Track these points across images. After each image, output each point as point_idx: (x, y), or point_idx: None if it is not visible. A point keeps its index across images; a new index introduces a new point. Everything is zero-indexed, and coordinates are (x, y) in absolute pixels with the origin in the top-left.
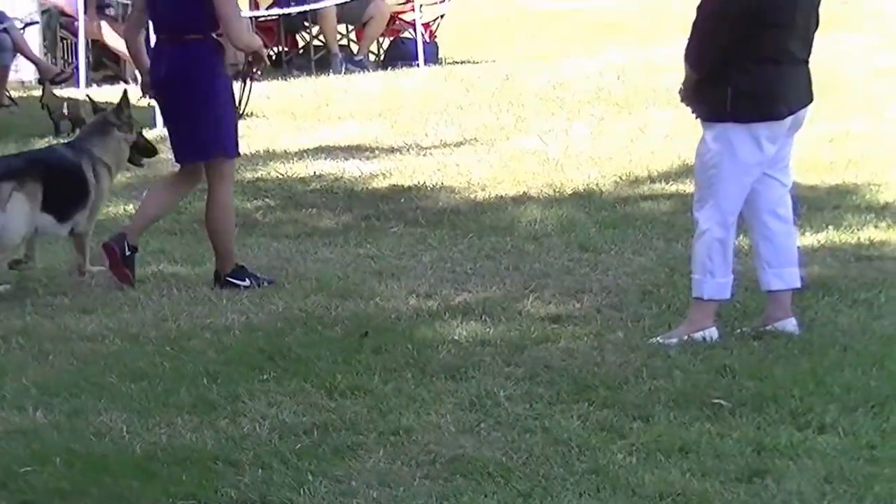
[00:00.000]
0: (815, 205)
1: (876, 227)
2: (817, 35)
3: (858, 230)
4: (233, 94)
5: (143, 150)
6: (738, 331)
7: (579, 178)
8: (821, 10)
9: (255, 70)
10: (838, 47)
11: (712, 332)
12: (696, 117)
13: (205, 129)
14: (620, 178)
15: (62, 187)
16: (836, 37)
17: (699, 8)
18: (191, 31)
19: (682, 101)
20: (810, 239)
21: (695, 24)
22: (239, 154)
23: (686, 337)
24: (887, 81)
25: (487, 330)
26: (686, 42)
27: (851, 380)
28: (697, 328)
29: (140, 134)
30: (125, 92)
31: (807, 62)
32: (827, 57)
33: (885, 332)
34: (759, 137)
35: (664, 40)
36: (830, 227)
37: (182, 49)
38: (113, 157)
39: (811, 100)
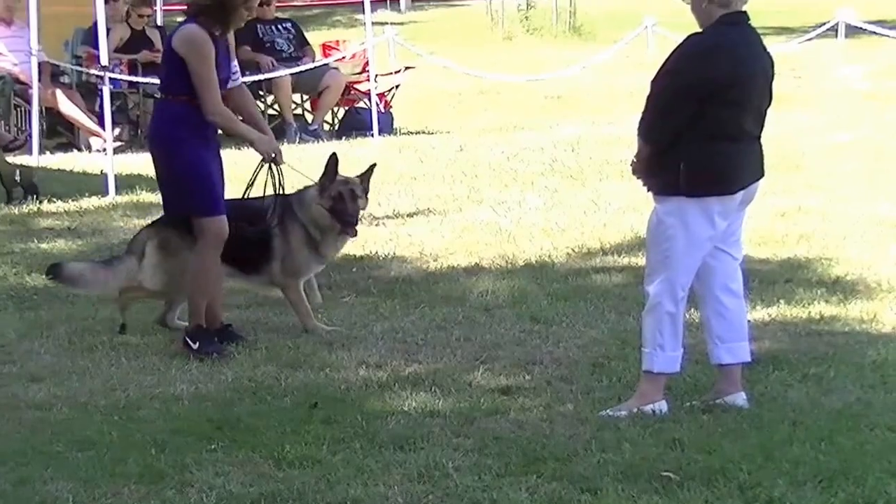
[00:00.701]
0: (766, 279)
1: (827, 301)
2: (772, 111)
3: (809, 304)
4: (213, 157)
5: None
6: (688, 404)
7: (532, 249)
8: (775, 87)
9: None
10: (792, 124)
11: (662, 406)
12: (648, 191)
13: (176, 185)
14: (573, 250)
15: None
16: (791, 114)
17: (653, 83)
18: (173, 91)
19: (633, 174)
20: (762, 313)
21: (649, 98)
22: (217, 213)
23: (636, 410)
24: (839, 158)
25: (437, 401)
26: (640, 116)
27: (800, 455)
28: (647, 401)
29: None
30: None
31: (759, 138)
32: (781, 133)
33: (835, 407)
34: (711, 212)
35: (617, 114)
36: (782, 301)
37: (164, 107)
38: None
39: (762, 174)
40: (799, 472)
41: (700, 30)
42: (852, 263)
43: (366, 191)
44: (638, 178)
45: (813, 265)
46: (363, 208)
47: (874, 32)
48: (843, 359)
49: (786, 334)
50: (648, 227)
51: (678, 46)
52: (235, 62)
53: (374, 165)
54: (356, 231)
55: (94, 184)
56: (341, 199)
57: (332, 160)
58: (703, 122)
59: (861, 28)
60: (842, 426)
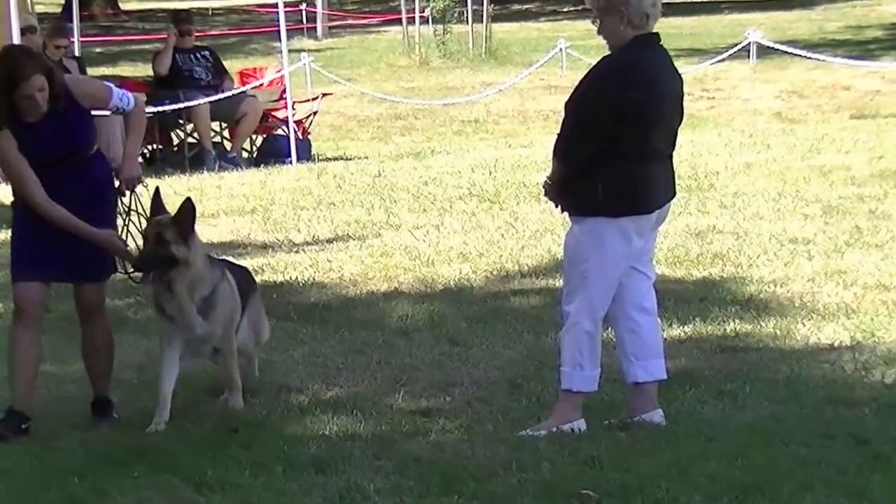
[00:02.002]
0: (681, 298)
1: (740, 319)
2: (685, 131)
3: (723, 322)
4: (33, 224)
5: None
6: (606, 423)
7: (450, 273)
8: (688, 107)
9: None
10: (705, 144)
11: (580, 424)
12: (563, 211)
13: None
14: (491, 272)
15: None
16: (703, 134)
17: (569, 104)
18: None
19: (545, 195)
20: (676, 331)
21: (565, 120)
22: (15, 280)
23: (555, 429)
24: (751, 178)
25: (357, 424)
26: (556, 137)
27: (715, 470)
28: (566, 420)
29: None
30: None
31: (671, 157)
32: (694, 153)
33: (749, 422)
34: (628, 231)
35: (532, 136)
36: (696, 319)
37: None
38: None
39: (675, 194)
40: (714, 488)
41: (610, 52)
42: (765, 281)
43: (183, 234)
44: (551, 199)
45: (727, 284)
46: (176, 255)
47: (785, 52)
48: (757, 375)
49: (700, 352)
50: (565, 247)
51: (593, 68)
52: (114, 99)
53: (188, 200)
54: (143, 278)
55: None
56: (144, 240)
57: (156, 196)
58: (620, 142)
59: (772, 48)
60: (756, 441)
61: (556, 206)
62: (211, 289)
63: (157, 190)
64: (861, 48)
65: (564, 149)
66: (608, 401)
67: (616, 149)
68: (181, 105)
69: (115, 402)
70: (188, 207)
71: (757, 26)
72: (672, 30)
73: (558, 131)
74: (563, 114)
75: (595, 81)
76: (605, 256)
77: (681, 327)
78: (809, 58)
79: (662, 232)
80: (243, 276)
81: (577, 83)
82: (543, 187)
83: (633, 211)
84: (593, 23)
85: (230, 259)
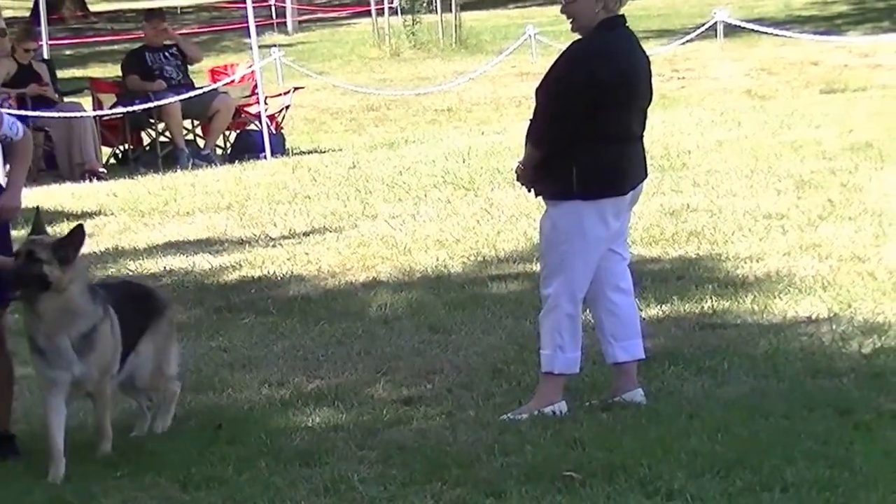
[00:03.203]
0: (658, 277)
1: (718, 295)
2: (657, 112)
3: (701, 300)
4: None
5: None
6: (587, 403)
7: (428, 260)
8: (658, 87)
9: None
10: (676, 124)
11: (562, 406)
12: (537, 196)
13: None
14: (468, 259)
15: None
16: (675, 113)
17: (540, 90)
18: None
19: (518, 180)
20: (655, 310)
21: (538, 105)
22: None
23: (536, 412)
24: (724, 155)
25: (340, 415)
26: (529, 123)
27: (698, 446)
28: (547, 402)
29: None
30: None
31: (642, 137)
32: (666, 133)
33: (729, 398)
34: (605, 213)
35: (505, 123)
36: (674, 297)
37: None
38: None
39: (647, 174)
40: (697, 464)
41: (579, 33)
42: (741, 257)
43: (61, 258)
44: (524, 185)
45: (703, 261)
46: (48, 276)
47: (753, 30)
48: (736, 351)
49: (680, 330)
50: (542, 231)
51: (564, 53)
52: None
53: (79, 227)
54: (7, 300)
55: None
56: (16, 256)
57: (36, 217)
58: (594, 125)
59: (739, 27)
60: (737, 416)
61: (530, 191)
62: (90, 326)
63: (37, 210)
64: (828, 23)
65: (540, 134)
66: (589, 382)
67: (592, 132)
68: (151, 104)
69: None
70: (76, 233)
71: (724, 5)
72: (641, 11)
73: (531, 117)
74: (534, 100)
75: (570, 65)
76: (583, 239)
77: (659, 306)
78: (777, 35)
79: (637, 212)
80: (147, 298)
81: (548, 68)
82: (516, 173)
83: (611, 192)
84: (565, 4)
85: (137, 282)
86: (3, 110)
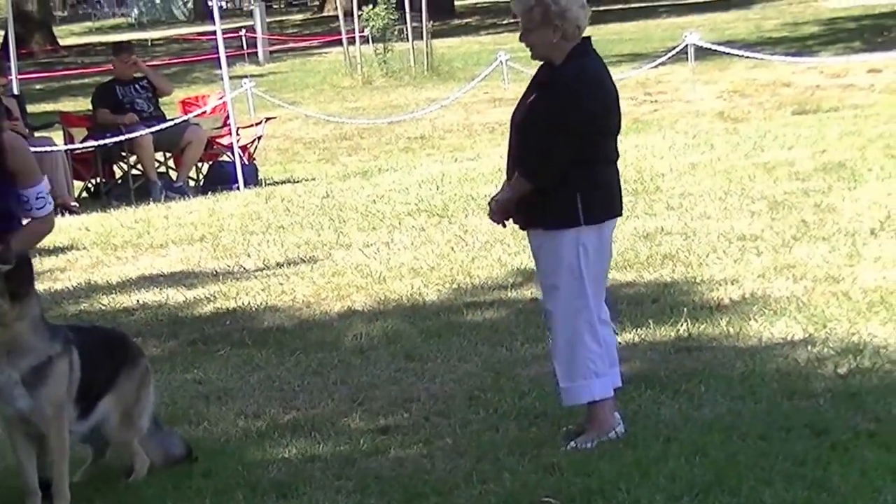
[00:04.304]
0: (633, 300)
1: (694, 318)
2: (630, 135)
3: (677, 323)
4: None
5: None
6: (564, 429)
7: (403, 289)
8: (632, 110)
9: None
10: (649, 147)
11: (620, 427)
12: (525, 228)
13: None
14: (443, 286)
15: None
16: (648, 136)
17: (528, 122)
18: None
19: (492, 217)
20: (630, 334)
21: (528, 138)
22: None
23: (603, 439)
24: (697, 178)
25: (316, 445)
26: (516, 156)
27: (675, 469)
28: (608, 428)
29: None
30: None
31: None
32: (639, 157)
33: (706, 420)
34: (606, 235)
35: (477, 149)
36: (650, 321)
37: None
38: None
39: None
40: (675, 487)
41: (549, 62)
42: (716, 279)
43: (11, 291)
44: (507, 219)
45: (678, 284)
46: None
47: (724, 53)
48: (713, 373)
49: (656, 353)
50: (543, 264)
51: (549, 81)
52: (33, 191)
53: (26, 258)
54: None
55: None
56: None
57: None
58: (591, 150)
59: (711, 49)
60: (714, 438)
61: (517, 224)
62: (44, 359)
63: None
64: (799, 44)
65: (538, 164)
66: (566, 407)
67: (588, 158)
68: (123, 137)
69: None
70: (24, 264)
71: (695, 28)
72: (613, 35)
73: (523, 150)
74: (518, 129)
75: (565, 93)
76: (591, 264)
77: (635, 330)
78: (749, 57)
79: (611, 236)
80: (117, 346)
81: (531, 98)
82: (490, 207)
83: (612, 213)
84: (524, 32)
85: (109, 327)
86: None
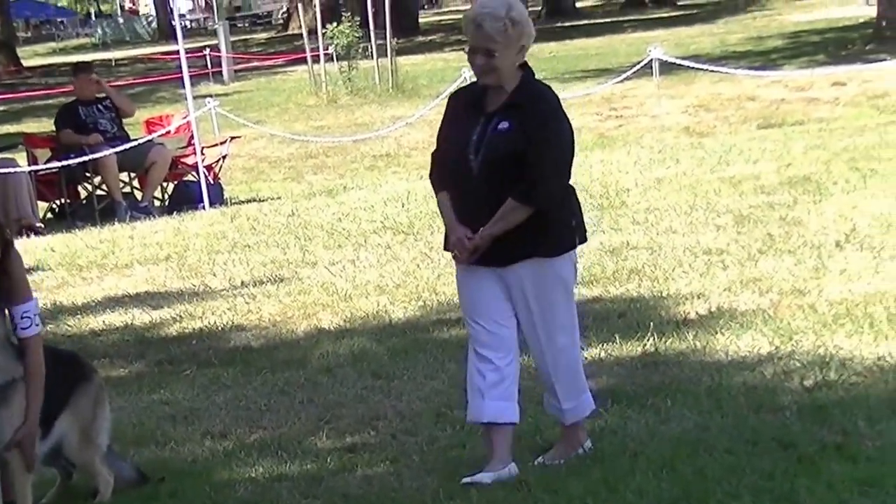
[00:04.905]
0: (600, 315)
1: (660, 332)
2: (596, 152)
3: (644, 337)
4: None
5: None
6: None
7: (369, 306)
8: (597, 126)
9: None
10: (615, 162)
11: (588, 444)
12: (508, 262)
13: None
14: (409, 303)
15: None
16: (613, 152)
17: (536, 148)
18: None
19: (471, 254)
20: (597, 349)
21: (546, 163)
22: None
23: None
24: (663, 193)
25: (284, 464)
26: (528, 184)
27: (643, 484)
28: (579, 444)
29: None
30: None
31: None
32: (605, 172)
33: (673, 434)
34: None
35: None
36: (616, 335)
37: None
38: None
39: None
40: (643, 502)
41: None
42: (682, 294)
43: None
44: (471, 256)
45: (644, 299)
46: None
47: (689, 67)
48: (680, 387)
49: (622, 368)
50: (538, 291)
51: (537, 104)
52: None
53: None
54: None
55: None
56: None
57: None
58: (569, 176)
59: (676, 64)
60: (681, 453)
61: (491, 262)
62: (8, 379)
63: None
64: (764, 58)
65: (550, 193)
66: (533, 423)
67: (568, 183)
68: (87, 158)
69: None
70: None
71: (660, 43)
72: (578, 51)
73: (533, 177)
74: (508, 159)
75: (559, 111)
76: (573, 284)
77: (601, 345)
78: (713, 71)
79: (578, 251)
80: (69, 365)
81: (509, 125)
82: (468, 247)
83: (585, 235)
84: (489, 55)
85: (63, 348)
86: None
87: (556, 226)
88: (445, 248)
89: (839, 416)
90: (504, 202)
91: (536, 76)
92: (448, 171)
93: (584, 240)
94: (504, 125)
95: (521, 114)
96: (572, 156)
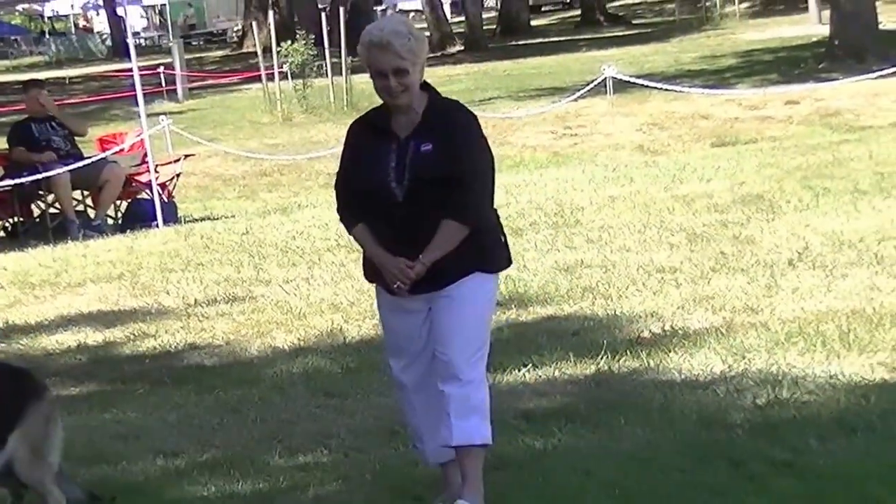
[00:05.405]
0: (553, 333)
1: (614, 350)
2: (551, 170)
3: (596, 355)
4: None
5: None
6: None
7: (322, 324)
8: (551, 144)
9: None
10: (569, 180)
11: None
12: (446, 284)
13: None
14: (363, 322)
15: None
16: (567, 170)
17: (462, 165)
18: None
19: (409, 281)
20: (550, 367)
21: (476, 178)
22: None
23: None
24: (616, 211)
25: (235, 483)
26: (456, 205)
27: (594, 502)
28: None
29: None
30: None
31: None
32: (559, 190)
33: (625, 452)
34: None
35: None
36: (570, 353)
37: None
38: None
39: None
40: None
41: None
42: (636, 312)
43: None
44: (409, 283)
45: (598, 317)
46: None
47: (643, 85)
48: (632, 405)
49: (575, 386)
50: (469, 310)
51: (461, 120)
52: None
53: None
54: None
55: None
56: None
57: None
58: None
59: (630, 82)
60: (633, 470)
61: (426, 287)
62: None
63: None
64: (717, 77)
65: (484, 209)
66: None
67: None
68: (40, 175)
69: None
70: None
71: (614, 61)
72: (531, 69)
73: (461, 193)
74: (438, 181)
75: (476, 130)
76: (494, 308)
77: (555, 363)
78: (667, 89)
79: (532, 269)
80: (21, 381)
81: (433, 145)
82: (408, 275)
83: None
84: (401, 75)
85: (11, 363)
86: None
87: (491, 242)
88: (370, 280)
89: (790, 435)
90: (433, 225)
91: (489, 94)
92: (365, 202)
93: (511, 260)
94: (427, 147)
95: (442, 133)
96: (494, 170)
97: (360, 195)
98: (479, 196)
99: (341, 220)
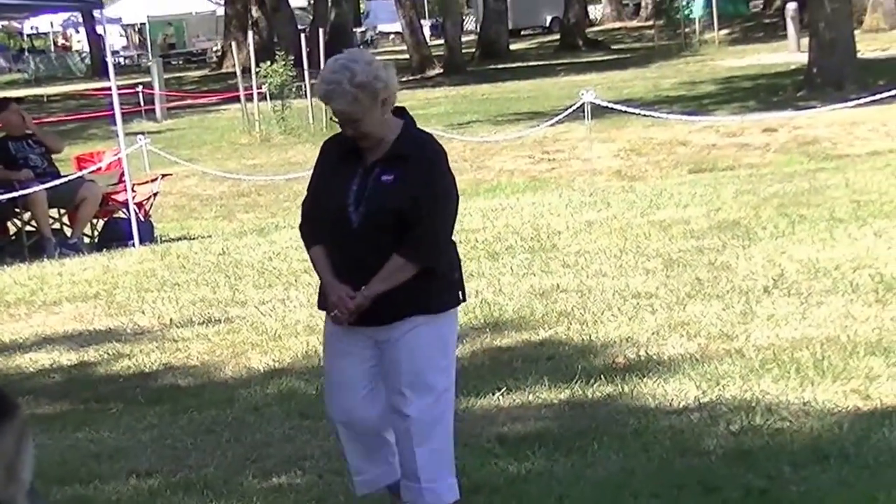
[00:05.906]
0: (528, 358)
1: (588, 375)
2: (528, 195)
3: (571, 380)
4: None
5: None
6: None
7: (298, 346)
8: (528, 168)
9: None
10: (546, 205)
11: None
12: (391, 320)
13: None
14: None
15: None
16: (545, 195)
17: (426, 213)
18: None
19: (351, 315)
20: (525, 392)
21: (435, 219)
22: None
23: None
24: (593, 236)
25: None
26: (416, 242)
27: None
28: None
29: None
30: None
31: None
32: (536, 214)
33: (599, 478)
34: None
35: None
36: (545, 378)
37: None
38: None
39: None
40: None
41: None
42: (611, 337)
43: None
44: (352, 316)
45: (573, 342)
46: None
47: (622, 111)
48: (606, 430)
49: (549, 411)
50: (421, 353)
51: (414, 157)
52: None
53: None
54: None
55: None
56: None
57: None
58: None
59: (608, 108)
60: (606, 495)
61: (370, 321)
62: None
63: None
64: (696, 103)
65: (437, 249)
66: (459, 464)
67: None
68: (16, 193)
69: None
70: None
71: (593, 87)
72: (510, 94)
73: (420, 233)
74: (393, 213)
75: (442, 167)
76: (454, 345)
77: (529, 388)
78: (646, 115)
79: (507, 294)
80: None
81: (393, 177)
82: (350, 306)
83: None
84: (354, 123)
85: None
86: None
87: (441, 282)
88: (321, 307)
89: (764, 461)
90: (385, 257)
91: (467, 118)
92: (324, 224)
93: (464, 297)
94: (388, 177)
95: (406, 166)
96: (457, 209)
97: (320, 217)
98: (434, 236)
99: (301, 237)
